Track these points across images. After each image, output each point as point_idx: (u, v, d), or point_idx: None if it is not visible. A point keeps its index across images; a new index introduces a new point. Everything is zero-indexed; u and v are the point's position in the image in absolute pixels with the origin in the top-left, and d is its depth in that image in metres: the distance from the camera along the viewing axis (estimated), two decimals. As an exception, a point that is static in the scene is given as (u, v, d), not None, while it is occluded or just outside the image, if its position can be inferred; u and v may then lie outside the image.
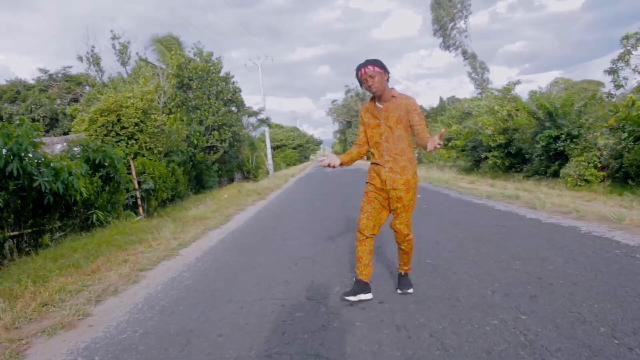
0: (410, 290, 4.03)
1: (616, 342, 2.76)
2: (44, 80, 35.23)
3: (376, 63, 3.74)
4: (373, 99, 3.91)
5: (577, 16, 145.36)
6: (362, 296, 3.89)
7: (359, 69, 3.77)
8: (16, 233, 8.86)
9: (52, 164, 9.23)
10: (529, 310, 3.37)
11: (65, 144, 12.29)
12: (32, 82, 35.89)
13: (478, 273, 4.42)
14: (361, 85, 3.85)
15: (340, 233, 7.32)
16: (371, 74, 3.71)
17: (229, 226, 9.47)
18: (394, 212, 3.90)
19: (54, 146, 17.67)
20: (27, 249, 8.95)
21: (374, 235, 3.92)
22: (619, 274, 4.02)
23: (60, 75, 35.37)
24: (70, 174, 9.43)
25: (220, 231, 8.87)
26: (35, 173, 8.56)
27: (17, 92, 34.92)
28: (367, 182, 3.99)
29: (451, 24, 52.75)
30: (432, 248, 5.68)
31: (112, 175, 11.73)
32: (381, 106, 3.86)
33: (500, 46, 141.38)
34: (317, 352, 3.03)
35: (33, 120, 32.03)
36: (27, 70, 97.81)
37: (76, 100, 30.28)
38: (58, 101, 33.99)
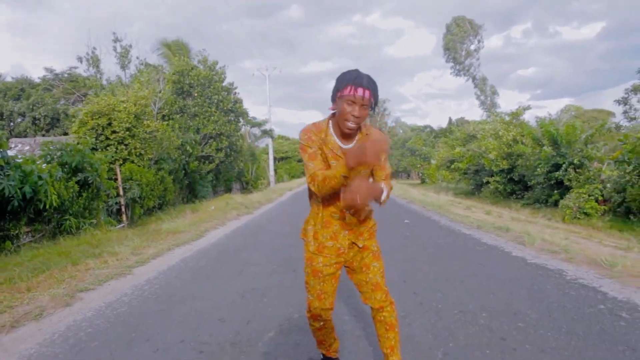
0: None
1: None
2: (50, 79, 34.96)
3: (374, 92, 2.49)
4: (327, 126, 2.64)
5: (591, 45, 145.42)
6: None
7: (360, 84, 2.43)
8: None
9: (22, 167, 8.84)
10: (478, 385, 2.82)
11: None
12: (38, 80, 35.67)
13: (436, 327, 3.84)
14: (334, 100, 2.55)
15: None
16: (366, 103, 2.46)
17: (199, 243, 8.94)
18: (359, 270, 2.74)
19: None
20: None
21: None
22: (597, 339, 3.45)
23: (65, 75, 35.12)
24: (40, 177, 8.99)
25: (188, 248, 8.34)
26: (1, 175, 8.15)
27: (21, 89, 34.63)
28: (312, 253, 2.72)
29: (463, 52, 53.12)
30: (397, 289, 5.04)
31: (90, 180, 11.25)
32: (347, 147, 2.59)
33: (512, 71, 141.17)
34: None
35: (34, 119, 31.83)
36: (40, 70, 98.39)
37: (80, 101, 29.99)
38: (62, 101, 33.68)
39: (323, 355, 3.01)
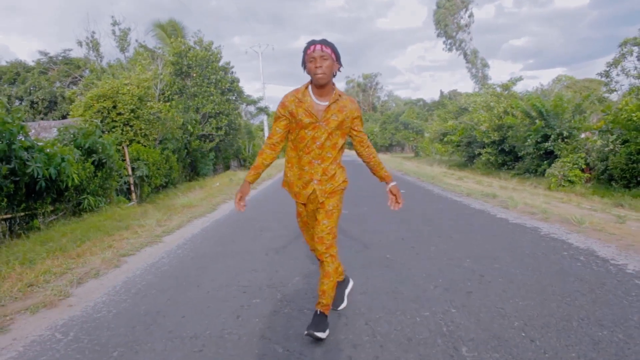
0: (321, 335, 3.16)
1: (523, 334, 3.13)
2: (44, 63, 35.39)
3: (331, 46, 3.11)
4: (306, 89, 3.23)
5: (584, 13, 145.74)
6: (347, 290, 3.88)
7: (313, 43, 3.09)
8: (9, 216, 9.19)
9: (45, 150, 9.57)
10: (460, 304, 3.74)
11: (55, 129, 12.52)
12: (32, 63, 36.05)
13: (429, 269, 4.79)
14: (303, 66, 3.18)
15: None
16: (324, 55, 3.05)
17: (214, 215, 9.82)
18: (312, 221, 3.45)
19: (52, 130, 17.96)
20: (19, 231, 9.29)
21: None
22: (555, 275, 4.38)
23: (60, 57, 35.57)
24: (62, 159, 9.74)
25: (205, 219, 9.22)
26: (28, 158, 8.89)
27: (16, 73, 35.09)
28: (296, 204, 3.57)
29: (454, 26, 53.55)
30: (397, 244, 6.04)
31: (104, 161, 12.03)
32: (322, 104, 3.18)
33: (505, 41, 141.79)
34: (263, 333, 3.39)
35: (32, 102, 32.36)
36: (27, 52, 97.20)
37: (75, 84, 30.53)
38: (57, 84, 34.18)
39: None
